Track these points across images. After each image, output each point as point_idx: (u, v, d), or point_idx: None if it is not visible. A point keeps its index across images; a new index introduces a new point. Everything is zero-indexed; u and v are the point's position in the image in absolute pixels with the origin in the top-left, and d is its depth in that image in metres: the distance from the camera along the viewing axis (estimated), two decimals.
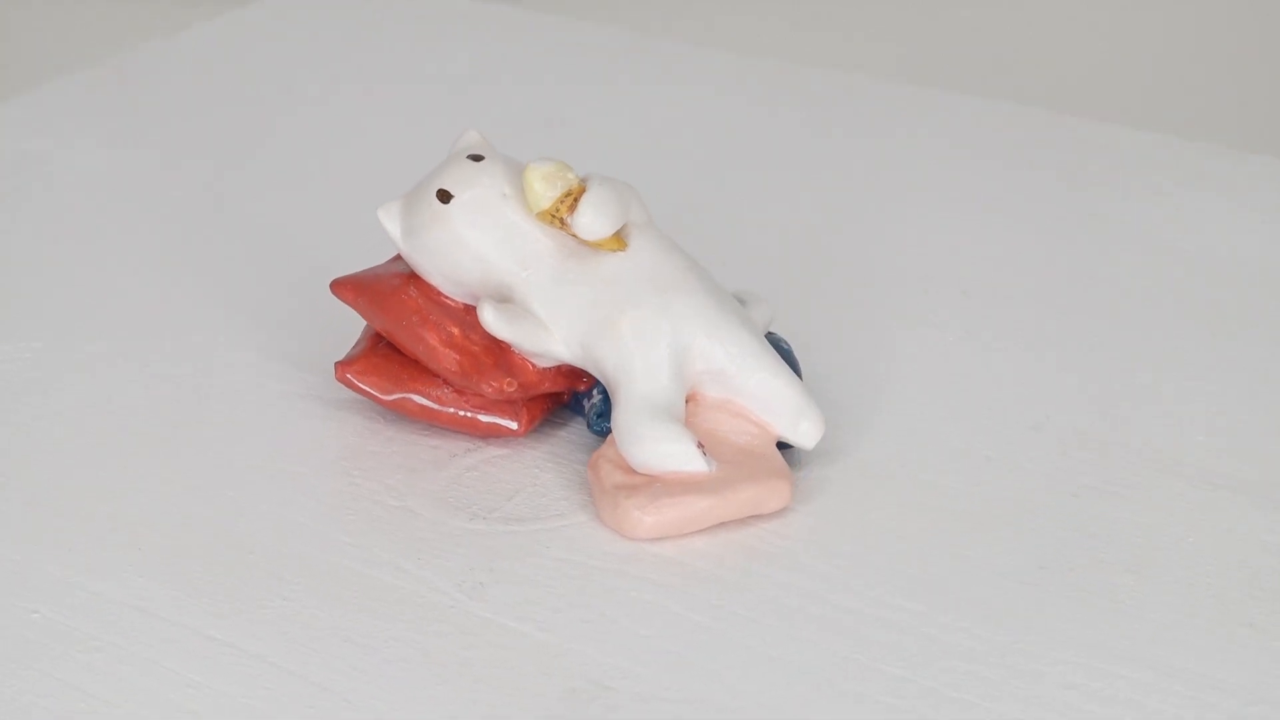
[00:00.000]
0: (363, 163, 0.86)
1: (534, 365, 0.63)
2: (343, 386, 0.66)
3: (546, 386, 0.64)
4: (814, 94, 0.93)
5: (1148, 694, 0.53)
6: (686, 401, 0.62)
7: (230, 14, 1.01)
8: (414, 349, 0.63)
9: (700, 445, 0.60)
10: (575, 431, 0.65)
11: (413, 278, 0.64)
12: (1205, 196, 0.83)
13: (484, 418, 0.64)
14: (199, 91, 0.93)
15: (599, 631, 0.56)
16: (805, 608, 0.57)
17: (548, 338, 0.62)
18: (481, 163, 0.63)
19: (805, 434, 0.62)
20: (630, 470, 0.61)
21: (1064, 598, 0.57)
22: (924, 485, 0.62)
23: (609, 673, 0.54)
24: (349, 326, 0.67)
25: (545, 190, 0.62)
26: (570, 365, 0.63)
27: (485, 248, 0.62)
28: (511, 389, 0.63)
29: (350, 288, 0.64)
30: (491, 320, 0.61)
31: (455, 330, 0.63)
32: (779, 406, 0.62)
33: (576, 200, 0.62)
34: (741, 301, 0.66)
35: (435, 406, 0.64)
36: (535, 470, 0.63)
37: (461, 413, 0.64)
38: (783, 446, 0.63)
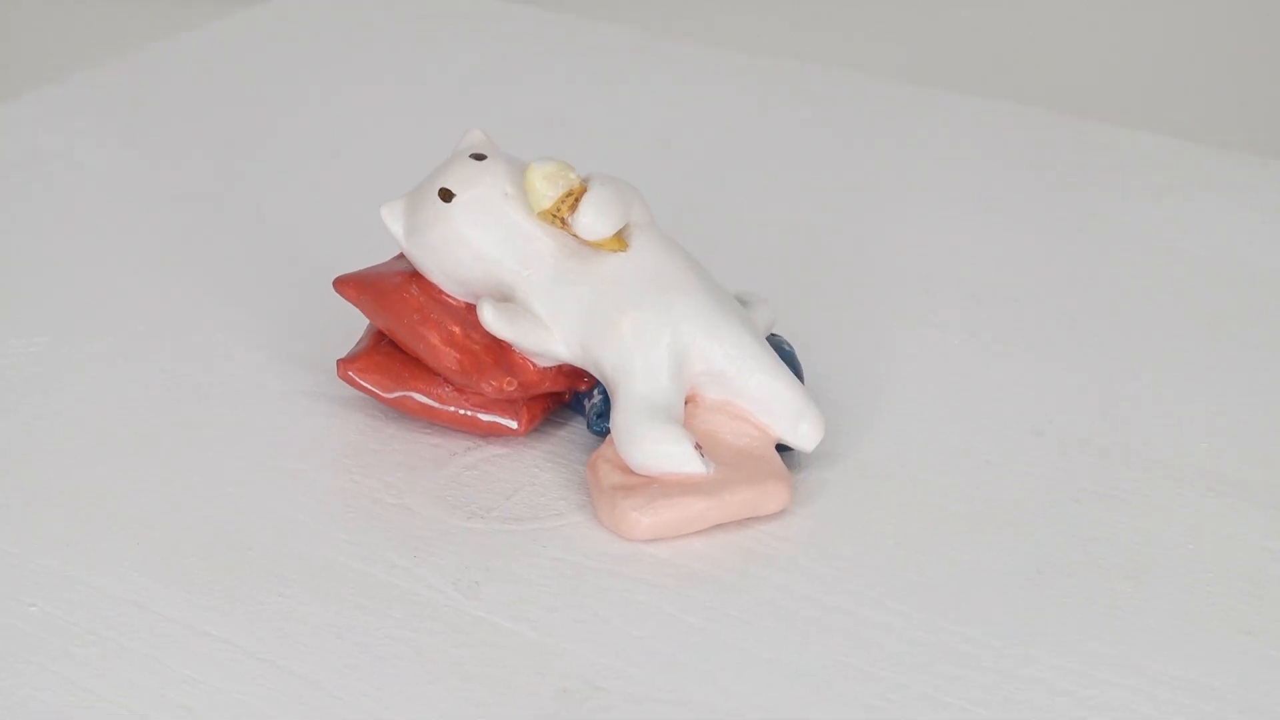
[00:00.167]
0: (368, 161, 0.86)
1: (534, 365, 0.63)
2: (345, 384, 0.66)
3: (547, 386, 0.64)
4: (816, 94, 0.93)
5: (1141, 700, 0.53)
6: (686, 402, 0.62)
7: (240, 14, 1.01)
8: (415, 347, 0.63)
9: (698, 447, 0.60)
10: (575, 431, 0.65)
11: (415, 276, 0.64)
12: (1208, 199, 0.82)
13: (484, 416, 0.64)
14: (207, 90, 0.93)
15: (592, 632, 0.56)
16: (800, 610, 0.56)
17: (547, 337, 0.62)
18: (484, 162, 0.63)
19: (805, 436, 0.62)
20: (628, 471, 0.61)
21: (1061, 602, 0.57)
22: (923, 488, 0.62)
23: (601, 673, 0.54)
24: (353, 324, 0.67)
25: (547, 190, 0.62)
26: (571, 365, 0.63)
27: (487, 247, 0.62)
28: (511, 388, 0.63)
29: (353, 285, 0.65)
30: (491, 319, 0.62)
31: (456, 329, 0.63)
32: (778, 408, 0.62)
33: (578, 200, 0.62)
34: (744, 303, 0.66)
35: (436, 405, 0.64)
36: (534, 470, 0.63)
37: (462, 411, 0.64)
38: (783, 448, 0.63)
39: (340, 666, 0.54)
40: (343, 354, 0.67)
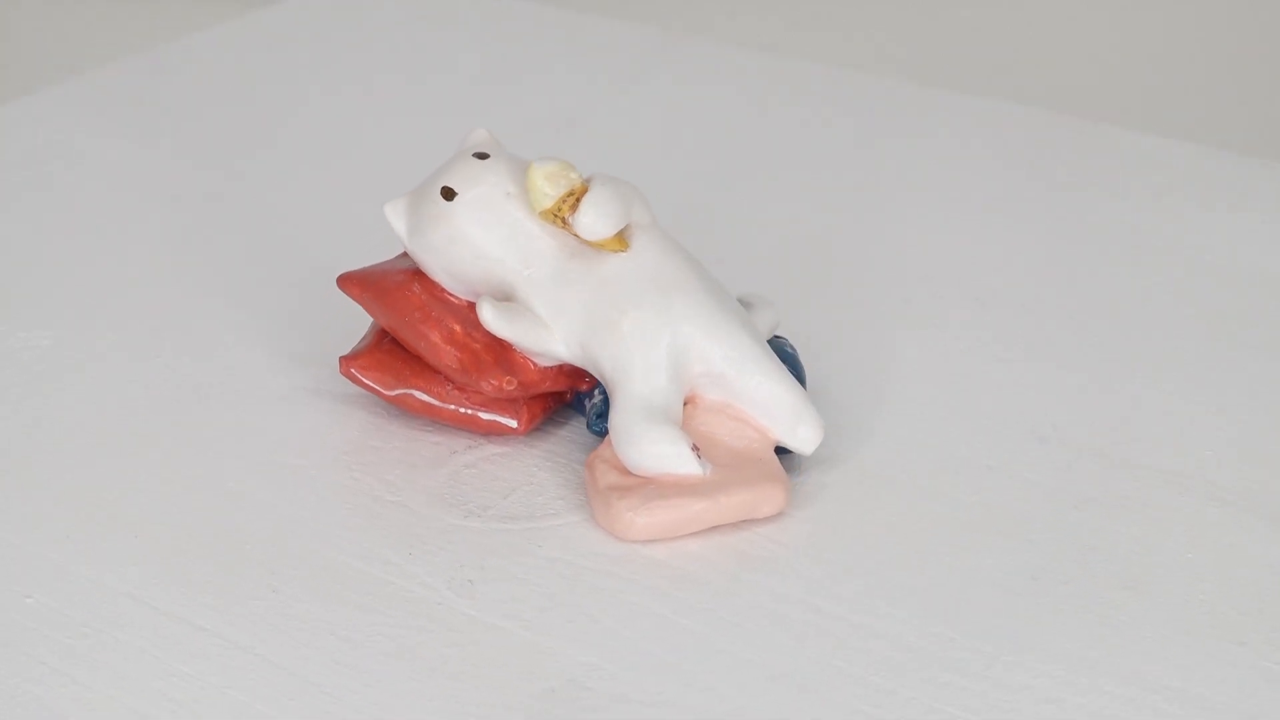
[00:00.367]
0: (375, 160, 0.86)
1: (535, 364, 0.63)
2: (347, 381, 0.66)
3: (547, 385, 0.64)
4: (816, 93, 0.93)
5: (1131, 710, 0.52)
6: (685, 404, 0.62)
7: (252, 15, 1.01)
8: (416, 345, 0.64)
9: (695, 448, 0.60)
10: (575, 431, 0.65)
11: (418, 274, 0.64)
12: (1212, 201, 0.82)
13: (484, 415, 0.64)
14: (216, 90, 0.93)
15: (583, 632, 0.56)
16: (792, 614, 0.56)
17: (547, 336, 0.62)
18: (486, 161, 0.63)
19: (804, 439, 0.62)
20: (625, 471, 0.60)
21: (1055, 611, 0.56)
22: (923, 493, 0.62)
23: (590, 673, 0.54)
24: (357, 322, 0.68)
25: (548, 189, 0.62)
26: (572, 365, 0.63)
27: (488, 245, 0.62)
28: (511, 387, 0.63)
29: (356, 283, 0.65)
30: (490, 318, 0.62)
31: (457, 327, 0.63)
32: (777, 411, 0.62)
33: (579, 200, 0.62)
34: (747, 305, 0.66)
35: (436, 403, 0.64)
36: (533, 469, 0.63)
37: (462, 410, 0.64)
38: (783, 451, 0.62)
39: (330, 662, 0.54)
40: (346, 351, 0.67)
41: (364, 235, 0.73)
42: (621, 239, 0.62)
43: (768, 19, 1.73)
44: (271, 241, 0.78)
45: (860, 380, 0.68)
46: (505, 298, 0.63)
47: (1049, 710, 0.52)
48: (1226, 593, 0.57)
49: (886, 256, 0.77)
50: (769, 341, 0.65)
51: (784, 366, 0.62)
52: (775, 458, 0.61)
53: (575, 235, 0.62)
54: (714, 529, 0.60)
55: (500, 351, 0.63)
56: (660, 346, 0.61)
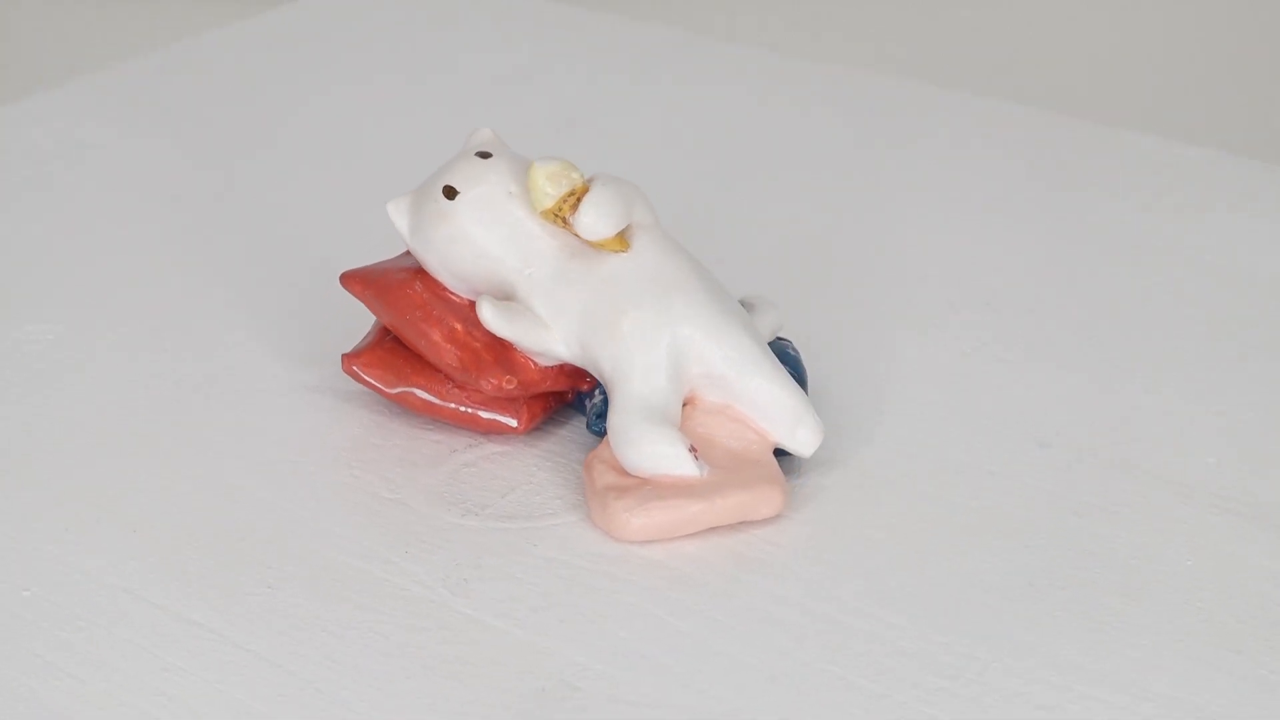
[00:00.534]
0: (382, 158, 0.86)
1: (535, 364, 0.63)
2: (350, 379, 0.66)
3: (548, 385, 0.64)
4: (816, 92, 0.92)
5: (1125, 718, 0.52)
6: (684, 405, 0.62)
7: (255, 16, 1.02)
8: (417, 343, 0.64)
9: (693, 449, 0.60)
10: (576, 431, 0.65)
11: (420, 273, 0.64)
12: (1218, 205, 0.81)
13: (485, 414, 0.64)
14: (222, 89, 0.93)
15: (577, 632, 0.55)
16: (787, 616, 0.56)
17: (547, 336, 0.62)
18: (488, 160, 0.63)
19: (803, 441, 0.62)
20: (623, 472, 0.60)
21: (1050, 617, 0.56)
22: (922, 497, 0.62)
23: (581, 674, 0.54)
24: (362, 320, 0.68)
25: (549, 189, 0.62)
26: (573, 365, 0.63)
27: (489, 244, 0.62)
28: (511, 386, 0.63)
29: (358, 281, 0.65)
30: (490, 317, 0.62)
31: (458, 326, 0.63)
32: (777, 413, 0.62)
33: (579, 200, 0.62)
34: (751, 306, 0.66)
35: (437, 401, 0.64)
36: (532, 468, 0.63)
37: (463, 408, 0.64)
38: (783, 453, 0.62)
39: (322, 659, 0.54)
40: (349, 349, 0.67)
41: (369, 234, 0.73)
42: (622, 239, 0.62)
43: (768, 19, 1.73)
44: (275, 240, 0.78)
45: (860, 381, 0.67)
46: (506, 297, 0.63)
47: (1042, 716, 0.52)
48: (1225, 600, 0.57)
49: (886, 257, 0.77)
50: (772, 343, 0.65)
51: (783, 368, 0.62)
52: (774, 460, 0.61)
53: (576, 235, 0.62)
54: (711, 530, 0.60)
55: (501, 351, 0.63)
56: (660, 347, 0.61)
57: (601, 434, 0.63)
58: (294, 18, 1.01)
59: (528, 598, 0.57)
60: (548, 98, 0.92)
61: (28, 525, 0.60)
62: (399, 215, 0.64)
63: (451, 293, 0.64)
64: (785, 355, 0.64)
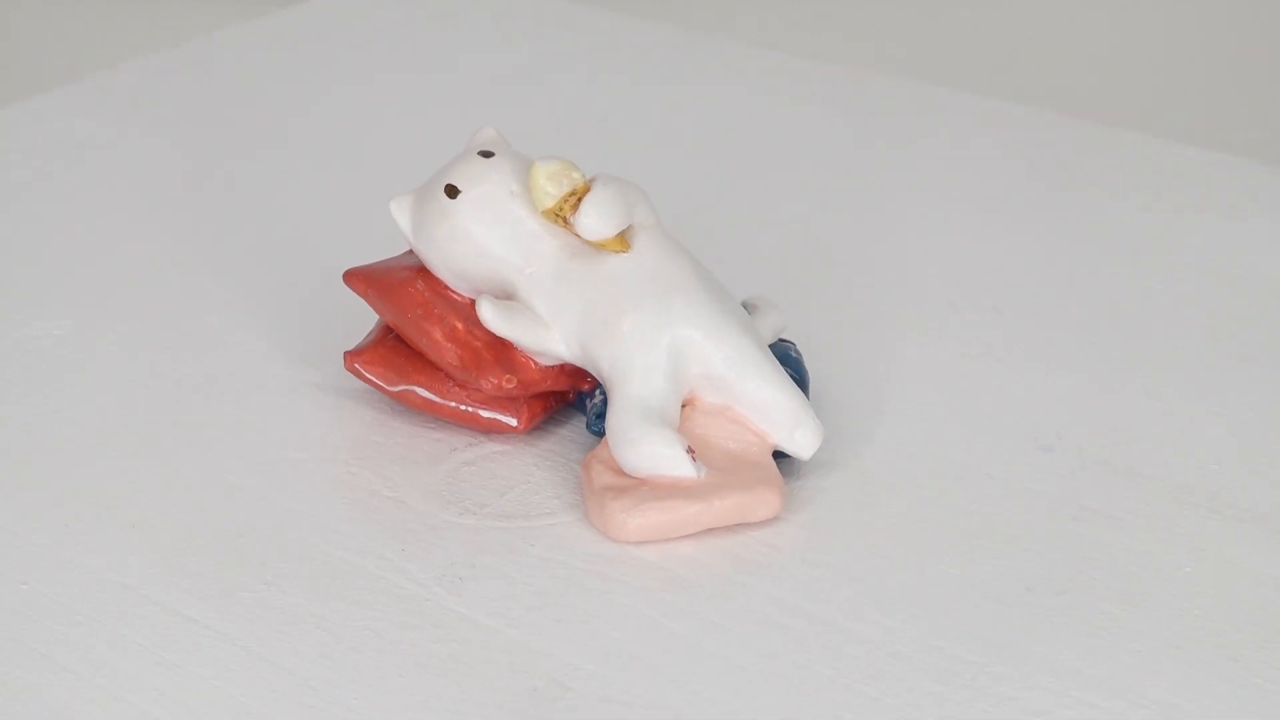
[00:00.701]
0: (389, 157, 0.86)
1: (536, 363, 0.63)
2: (353, 377, 0.66)
3: (548, 385, 0.64)
4: (818, 94, 0.92)
5: None
6: (684, 406, 0.62)
7: (259, 19, 1.02)
8: (418, 341, 0.64)
9: (690, 450, 0.60)
10: (576, 431, 0.65)
11: (422, 271, 0.64)
12: (1230, 209, 0.81)
13: (485, 413, 0.64)
14: (227, 89, 0.93)
15: (570, 632, 0.55)
16: (781, 619, 0.56)
17: (547, 335, 0.62)
18: (490, 159, 0.63)
19: (801, 444, 0.61)
20: (621, 472, 0.60)
21: (1047, 622, 0.56)
22: (921, 500, 0.61)
23: (573, 674, 0.54)
24: (365, 318, 0.68)
25: (550, 188, 0.62)
26: (574, 364, 0.63)
27: (490, 244, 0.62)
28: (510, 385, 0.63)
29: (361, 279, 0.65)
30: (489, 316, 0.62)
31: (459, 325, 0.63)
32: (776, 415, 0.61)
33: (580, 200, 0.62)
34: (753, 308, 0.65)
35: (438, 400, 0.64)
36: (531, 468, 0.63)
37: (463, 407, 0.64)
38: (782, 455, 0.62)
39: (316, 656, 0.54)
40: (351, 346, 0.67)
41: (372, 232, 0.73)
42: (623, 239, 0.62)
43: (768, 18, 1.72)
44: (278, 238, 0.78)
45: (860, 383, 0.67)
46: (507, 296, 0.63)
47: None
48: (1224, 607, 0.57)
49: (886, 257, 0.76)
50: (774, 345, 0.65)
51: (783, 370, 0.62)
52: (772, 462, 0.61)
53: (576, 235, 0.62)
54: (708, 532, 0.60)
55: (501, 350, 0.63)
56: (659, 348, 0.61)
57: (601, 434, 0.63)
58: (296, 19, 1.02)
59: (522, 597, 0.57)
60: (549, 97, 0.92)
61: (28, 521, 0.61)
62: (401, 214, 0.64)
63: (453, 291, 0.64)
64: (787, 357, 0.64)
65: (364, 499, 0.62)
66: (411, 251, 0.66)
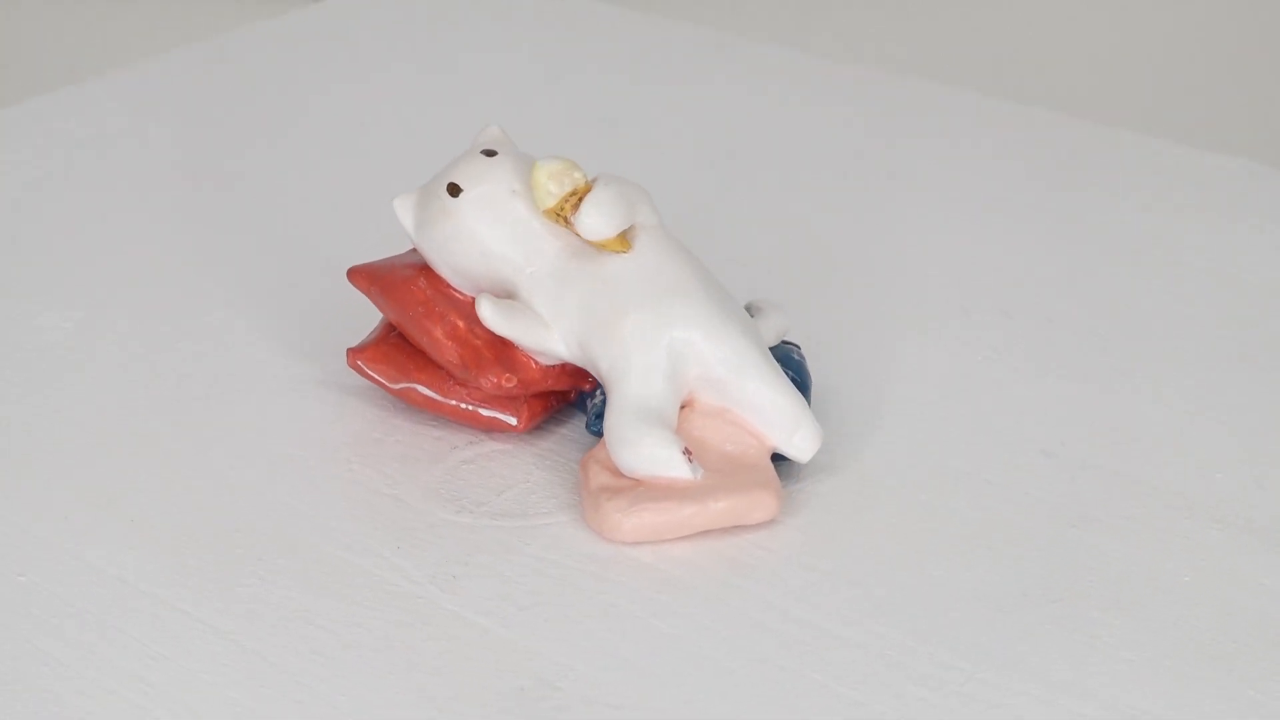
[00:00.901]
0: (395, 155, 0.86)
1: (536, 362, 0.63)
2: (356, 374, 0.67)
3: (549, 384, 0.64)
4: (818, 93, 0.92)
5: None
6: (682, 407, 0.62)
7: (272, 19, 1.02)
8: (419, 339, 0.64)
9: (687, 452, 0.60)
10: (576, 430, 0.65)
11: (424, 269, 0.65)
12: (1230, 209, 0.80)
13: (485, 412, 0.64)
14: (231, 89, 0.94)
15: (561, 632, 0.55)
16: (772, 622, 0.56)
17: (546, 335, 0.62)
18: (493, 158, 0.63)
19: (800, 447, 0.61)
20: (617, 473, 0.60)
21: (1038, 629, 0.55)
22: (919, 505, 0.61)
23: (562, 674, 0.54)
24: (371, 316, 0.68)
25: (551, 187, 0.62)
26: (575, 364, 0.63)
27: (492, 243, 0.63)
28: (510, 385, 0.63)
29: (364, 276, 0.65)
30: (489, 315, 0.62)
31: (460, 323, 0.63)
32: (775, 417, 0.61)
33: (582, 199, 0.62)
34: (757, 310, 0.65)
35: (438, 398, 0.64)
36: (531, 467, 0.63)
37: (463, 405, 0.64)
38: (781, 458, 0.62)
39: (306, 652, 0.55)
40: (355, 344, 0.67)
41: (378, 230, 0.73)
42: (624, 240, 0.62)
43: (767, 19, 1.72)
44: (284, 235, 0.79)
45: (860, 384, 0.67)
46: (508, 295, 0.63)
47: None
48: (1220, 618, 0.56)
49: (887, 257, 0.76)
50: (778, 347, 0.65)
51: (783, 373, 0.62)
52: (770, 464, 0.61)
53: (577, 234, 0.62)
54: (704, 534, 0.60)
55: (502, 349, 0.63)
56: (659, 349, 0.61)
57: (600, 434, 0.63)
58: (297, 19, 1.02)
59: (515, 596, 0.57)
60: (551, 97, 0.92)
61: (28, 514, 0.61)
62: (405, 212, 0.64)
63: (455, 290, 0.64)
64: (789, 360, 0.64)
65: (362, 496, 0.62)
66: (415, 250, 0.66)
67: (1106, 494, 0.62)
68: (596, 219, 0.61)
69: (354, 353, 0.65)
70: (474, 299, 0.64)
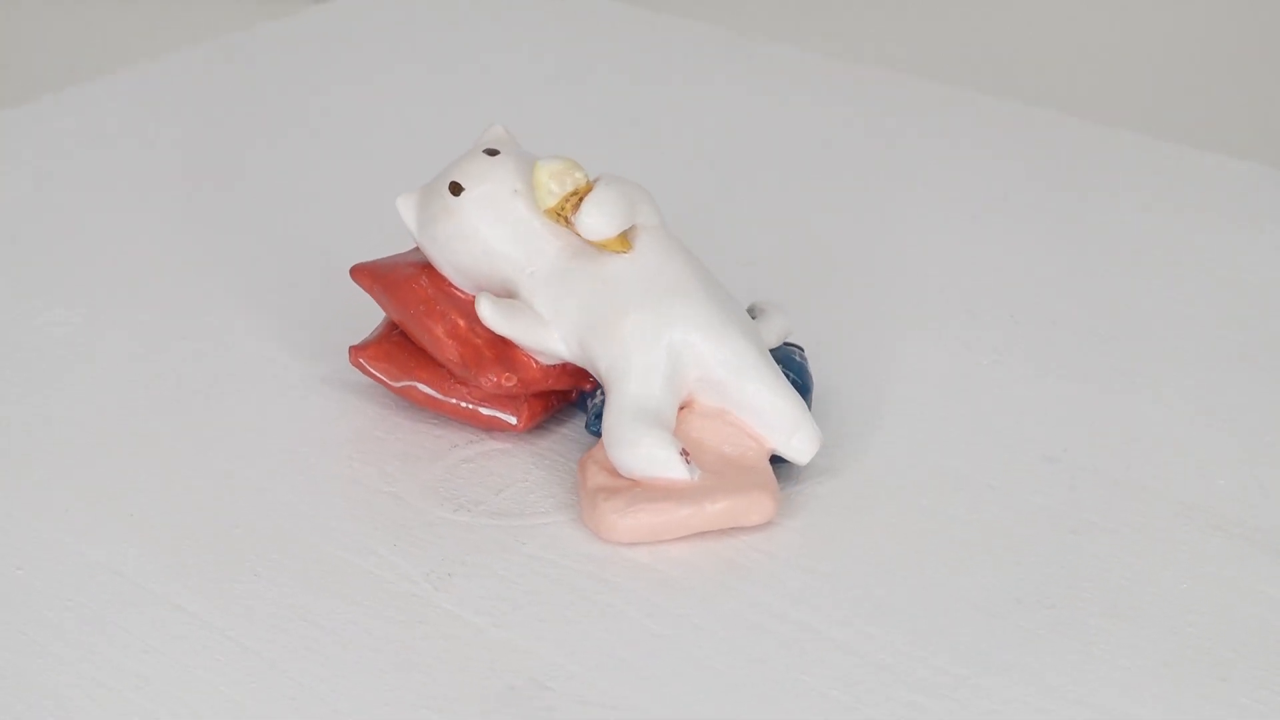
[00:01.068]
0: (400, 154, 0.86)
1: (536, 362, 0.63)
2: (359, 372, 0.67)
3: (549, 384, 0.64)
4: (817, 93, 0.92)
5: None
6: (681, 408, 0.62)
7: (274, 21, 1.02)
8: (420, 338, 0.64)
9: (685, 453, 0.60)
10: (576, 430, 0.65)
11: (426, 268, 0.65)
12: (1230, 209, 0.80)
13: (485, 410, 0.64)
14: (234, 89, 0.94)
15: (554, 631, 0.55)
16: (766, 624, 0.56)
17: (546, 334, 0.62)
18: (495, 158, 0.63)
19: (798, 449, 0.61)
20: (615, 473, 0.60)
21: (1034, 635, 0.55)
22: (917, 508, 0.61)
23: (554, 673, 0.54)
24: (374, 314, 0.68)
25: (553, 187, 0.62)
26: (575, 364, 0.63)
27: (493, 242, 0.63)
28: (510, 384, 0.63)
29: (367, 274, 0.65)
30: (489, 314, 0.62)
31: (461, 322, 0.63)
32: (773, 419, 0.61)
33: (582, 199, 0.62)
34: (759, 311, 0.65)
35: (439, 396, 0.64)
36: (530, 466, 0.63)
37: (464, 404, 0.64)
38: (780, 460, 0.62)
39: (299, 649, 0.55)
40: (359, 341, 0.67)
41: (383, 228, 0.73)
42: (624, 240, 0.62)
43: (767, 19, 1.72)
44: (287, 233, 0.79)
45: (860, 385, 0.67)
46: (509, 294, 0.63)
47: None
48: (1217, 626, 0.56)
49: (887, 258, 0.76)
50: (779, 349, 0.65)
51: (782, 374, 0.62)
52: (768, 466, 0.61)
53: (578, 234, 0.62)
54: (702, 535, 0.60)
55: (502, 348, 0.63)
56: (658, 349, 0.61)
57: (599, 434, 0.63)
58: (299, 20, 1.02)
59: (509, 595, 0.57)
60: (553, 96, 0.92)
61: (27, 509, 0.61)
62: (407, 210, 0.64)
63: (456, 288, 0.64)
64: (791, 362, 0.64)
65: (361, 494, 0.62)
66: (418, 248, 0.66)
67: (1106, 500, 0.62)
68: (597, 219, 0.61)
69: (356, 350, 0.65)
70: (475, 298, 0.64)
